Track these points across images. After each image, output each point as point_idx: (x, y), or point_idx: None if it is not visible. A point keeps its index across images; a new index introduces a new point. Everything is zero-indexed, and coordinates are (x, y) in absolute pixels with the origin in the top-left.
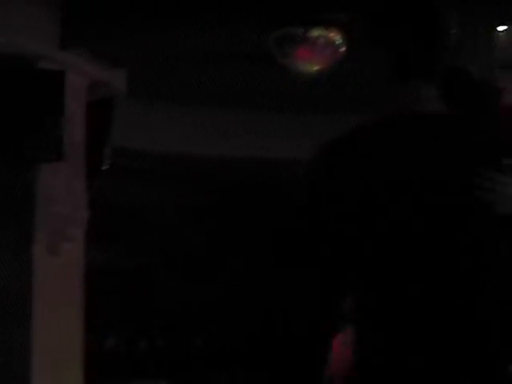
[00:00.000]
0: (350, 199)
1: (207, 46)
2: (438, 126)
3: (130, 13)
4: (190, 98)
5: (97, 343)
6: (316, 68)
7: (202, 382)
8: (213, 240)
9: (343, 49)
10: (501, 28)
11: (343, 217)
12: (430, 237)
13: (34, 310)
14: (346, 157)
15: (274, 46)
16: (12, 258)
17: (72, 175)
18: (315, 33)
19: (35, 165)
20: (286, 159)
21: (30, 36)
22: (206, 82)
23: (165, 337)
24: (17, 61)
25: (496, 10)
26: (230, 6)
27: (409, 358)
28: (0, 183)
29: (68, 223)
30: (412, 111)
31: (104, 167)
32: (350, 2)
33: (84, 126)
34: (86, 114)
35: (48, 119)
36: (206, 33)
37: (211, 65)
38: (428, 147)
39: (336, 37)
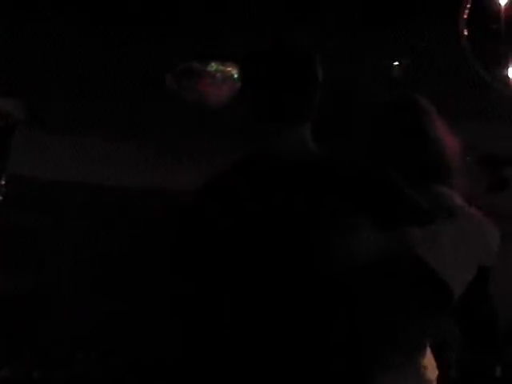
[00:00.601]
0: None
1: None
2: (287, 167)
3: None
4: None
5: None
6: (215, 101)
7: None
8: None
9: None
10: (396, 63)
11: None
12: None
13: None
14: (205, 200)
15: (173, 80)
16: None
17: None
18: (213, 67)
19: None
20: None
21: None
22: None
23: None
24: None
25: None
26: None
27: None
28: None
29: None
30: (268, 152)
31: None
32: (242, 40)
33: None
34: None
35: None
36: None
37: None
38: (271, 186)
39: (233, 71)
